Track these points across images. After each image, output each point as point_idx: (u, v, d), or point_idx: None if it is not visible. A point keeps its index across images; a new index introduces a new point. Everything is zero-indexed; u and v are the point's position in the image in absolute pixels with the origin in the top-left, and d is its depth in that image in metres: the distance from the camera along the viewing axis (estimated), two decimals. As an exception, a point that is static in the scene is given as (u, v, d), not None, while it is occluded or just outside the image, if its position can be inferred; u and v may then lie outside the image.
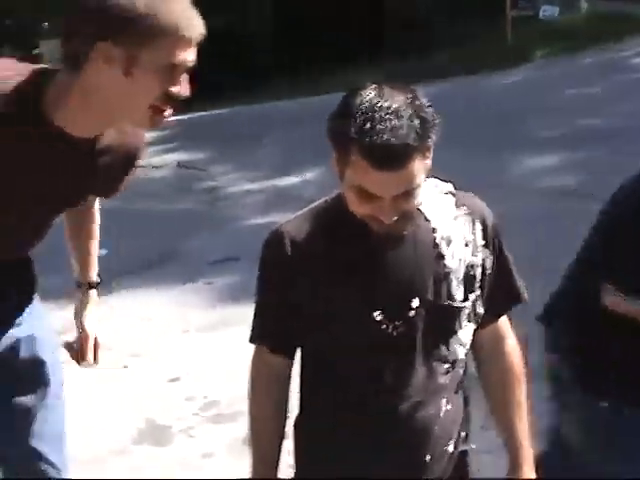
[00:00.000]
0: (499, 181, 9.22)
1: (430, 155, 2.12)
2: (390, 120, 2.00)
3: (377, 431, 2.27)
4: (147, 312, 6.79)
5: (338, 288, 2.22)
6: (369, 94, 2.06)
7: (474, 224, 2.31)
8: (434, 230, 2.26)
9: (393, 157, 2.00)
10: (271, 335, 2.36)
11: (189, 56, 2.28)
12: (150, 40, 2.18)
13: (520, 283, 2.46)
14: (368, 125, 2.00)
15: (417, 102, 2.07)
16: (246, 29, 25.48)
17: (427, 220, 2.27)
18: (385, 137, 1.98)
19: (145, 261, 8.00)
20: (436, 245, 2.25)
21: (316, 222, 2.29)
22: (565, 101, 14.20)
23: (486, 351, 2.46)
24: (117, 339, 6.26)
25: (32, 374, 2.94)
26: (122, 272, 7.70)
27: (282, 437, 2.41)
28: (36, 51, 25.10)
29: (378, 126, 1.99)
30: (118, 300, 7.10)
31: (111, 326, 6.49)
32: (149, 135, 2.80)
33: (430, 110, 2.08)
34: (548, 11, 22.13)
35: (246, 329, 2.42)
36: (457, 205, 2.32)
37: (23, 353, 2.91)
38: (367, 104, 2.03)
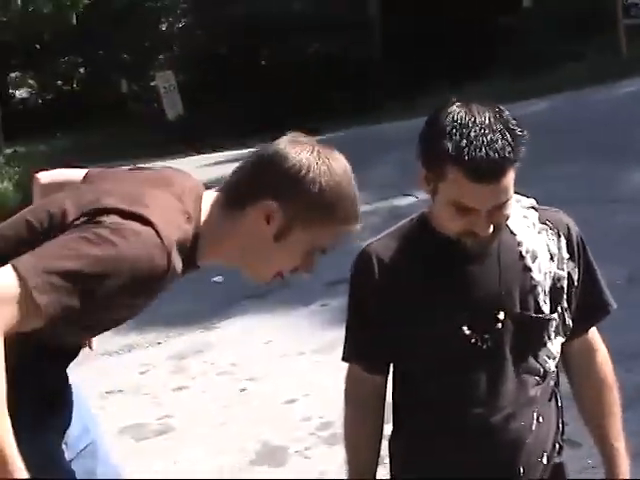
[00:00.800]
0: (620, 194, 9.08)
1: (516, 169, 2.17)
2: (485, 135, 2.07)
3: (471, 444, 2.30)
4: (266, 336, 6.91)
5: (426, 305, 2.28)
6: (458, 112, 2.13)
7: (559, 237, 2.35)
8: (519, 244, 2.31)
9: (492, 170, 2.07)
10: (363, 354, 2.42)
11: (334, 241, 2.29)
12: (313, 221, 2.19)
13: (608, 294, 2.47)
14: (465, 141, 2.07)
15: (504, 117, 2.14)
16: (358, 53, 25.67)
17: (512, 234, 2.31)
18: (483, 151, 2.06)
19: (261, 286, 8.11)
20: (522, 258, 2.29)
21: (402, 241, 2.37)
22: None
23: (577, 363, 2.47)
24: (236, 363, 6.43)
25: None
26: (239, 297, 7.91)
27: (378, 453, 2.48)
28: (152, 83, 25.89)
29: (475, 142, 2.07)
30: (236, 325, 7.30)
31: (230, 351, 6.67)
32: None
33: (517, 125, 2.14)
34: (664, 18, 21.59)
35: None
36: (541, 219, 2.36)
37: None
38: (459, 121, 2.11)
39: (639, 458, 4.20)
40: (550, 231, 2.35)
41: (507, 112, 2.16)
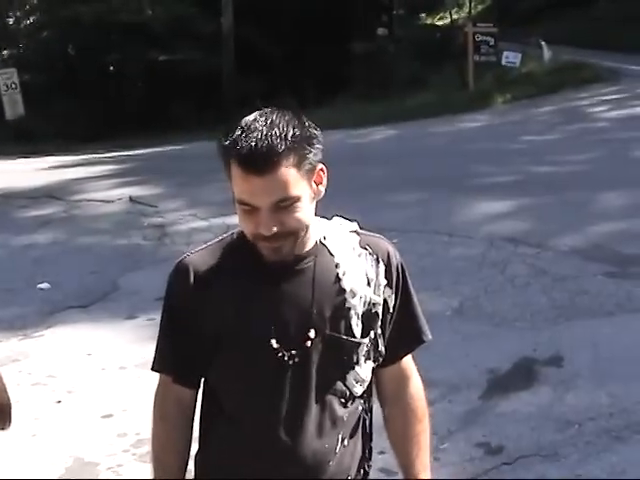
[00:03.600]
0: (454, 227, 9.33)
1: (322, 180, 2.20)
2: (262, 130, 2.10)
3: (270, 465, 2.29)
4: (87, 347, 6.76)
5: (238, 318, 2.26)
6: (253, 115, 2.16)
7: (377, 263, 2.35)
8: (337, 265, 2.30)
9: (258, 159, 2.08)
10: (172, 364, 2.38)
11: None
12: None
13: (423, 323, 2.48)
14: (243, 134, 2.10)
15: (296, 119, 2.16)
16: (210, 64, 25.60)
17: (331, 254, 2.31)
18: (253, 142, 2.08)
19: (87, 296, 7.99)
20: (338, 279, 2.29)
21: (220, 253, 2.34)
22: (520, 147, 14.44)
23: (388, 390, 2.48)
24: (54, 374, 6.27)
25: None
26: (63, 307, 7.75)
27: (184, 469, 2.43)
28: None
29: (250, 134, 2.09)
30: (58, 335, 7.10)
31: (49, 361, 6.50)
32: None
33: (311, 129, 2.17)
34: (510, 58, 22.44)
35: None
36: (361, 244, 2.36)
37: None
38: (247, 120, 2.14)
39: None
40: (370, 256, 2.35)
41: (305, 119, 2.18)
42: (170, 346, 2.38)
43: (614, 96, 20.16)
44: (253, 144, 2.07)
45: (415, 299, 2.45)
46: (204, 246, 2.40)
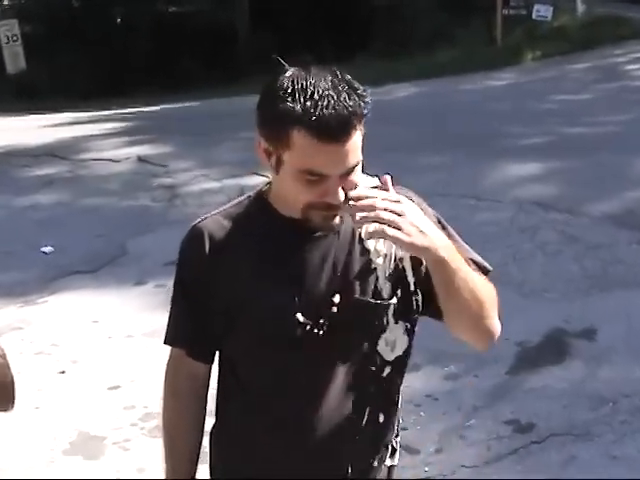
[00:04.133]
0: (474, 190, 9.27)
1: (363, 132, 2.13)
2: (330, 94, 2.04)
3: (289, 442, 2.27)
4: (93, 315, 6.77)
5: (258, 286, 2.21)
6: (297, 75, 2.10)
7: None
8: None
9: (341, 126, 2.03)
10: (186, 337, 2.35)
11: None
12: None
13: (478, 257, 2.37)
14: (310, 102, 2.03)
15: (346, 78, 2.11)
16: (223, 19, 25.47)
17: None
18: (331, 109, 2.02)
19: (94, 261, 7.99)
20: (361, 240, 2.25)
21: (237, 218, 2.29)
22: (552, 108, 14.32)
23: None
24: (58, 343, 6.27)
25: None
26: (69, 271, 7.75)
27: (197, 447, 2.42)
28: None
29: (321, 101, 2.03)
30: (62, 301, 7.11)
31: (53, 329, 6.50)
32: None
33: (358, 84, 2.12)
34: (542, 11, 22.20)
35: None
36: None
37: None
38: (301, 83, 2.07)
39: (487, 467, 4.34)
40: None
41: (347, 75, 2.13)
42: (183, 318, 2.34)
43: (652, 53, 19.90)
44: (328, 110, 2.02)
45: (463, 243, 2.33)
46: (220, 209, 2.34)
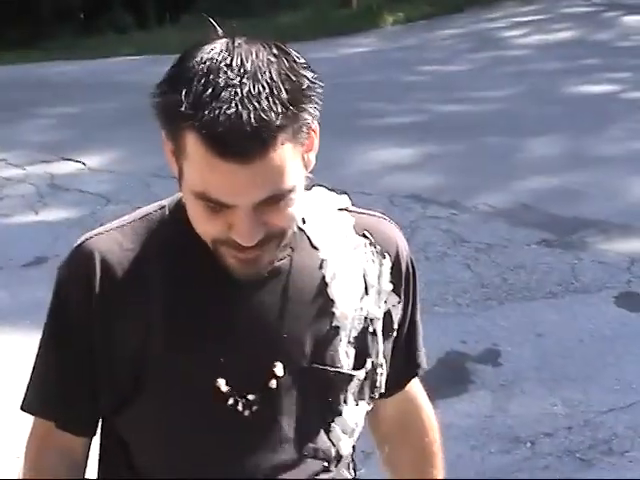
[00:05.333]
0: (332, 179, 9.10)
1: (313, 144, 1.78)
2: (242, 86, 1.62)
3: None
4: None
5: (170, 343, 1.87)
6: (213, 50, 1.69)
7: (383, 258, 2.00)
8: (322, 264, 1.93)
9: (247, 140, 1.61)
10: (59, 405, 1.99)
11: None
12: None
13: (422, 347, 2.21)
14: (208, 94, 1.63)
15: (286, 61, 1.70)
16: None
17: (314, 247, 1.94)
18: (233, 110, 1.61)
19: None
20: (323, 285, 1.93)
21: (145, 237, 1.91)
22: (420, 80, 14.39)
23: (391, 426, 2.23)
24: None
25: None
26: None
27: None
28: None
29: (223, 94, 1.62)
30: None
31: None
32: None
33: (308, 73, 1.72)
34: (403, -33, 22.47)
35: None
36: (357, 229, 2.00)
37: None
38: (208, 64, 1.67)
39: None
40: (370, 248, 1.99)
41: (296, 55, 1.74)
42: (57, 376, 1.97)
43: (533, 17, 20.31)
44: (233, 111, 1.61)
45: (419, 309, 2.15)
46: (117, 223, 1.94)
